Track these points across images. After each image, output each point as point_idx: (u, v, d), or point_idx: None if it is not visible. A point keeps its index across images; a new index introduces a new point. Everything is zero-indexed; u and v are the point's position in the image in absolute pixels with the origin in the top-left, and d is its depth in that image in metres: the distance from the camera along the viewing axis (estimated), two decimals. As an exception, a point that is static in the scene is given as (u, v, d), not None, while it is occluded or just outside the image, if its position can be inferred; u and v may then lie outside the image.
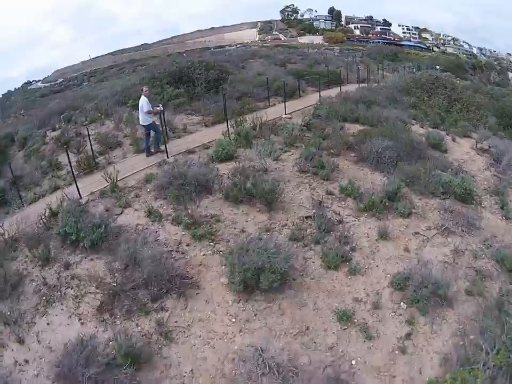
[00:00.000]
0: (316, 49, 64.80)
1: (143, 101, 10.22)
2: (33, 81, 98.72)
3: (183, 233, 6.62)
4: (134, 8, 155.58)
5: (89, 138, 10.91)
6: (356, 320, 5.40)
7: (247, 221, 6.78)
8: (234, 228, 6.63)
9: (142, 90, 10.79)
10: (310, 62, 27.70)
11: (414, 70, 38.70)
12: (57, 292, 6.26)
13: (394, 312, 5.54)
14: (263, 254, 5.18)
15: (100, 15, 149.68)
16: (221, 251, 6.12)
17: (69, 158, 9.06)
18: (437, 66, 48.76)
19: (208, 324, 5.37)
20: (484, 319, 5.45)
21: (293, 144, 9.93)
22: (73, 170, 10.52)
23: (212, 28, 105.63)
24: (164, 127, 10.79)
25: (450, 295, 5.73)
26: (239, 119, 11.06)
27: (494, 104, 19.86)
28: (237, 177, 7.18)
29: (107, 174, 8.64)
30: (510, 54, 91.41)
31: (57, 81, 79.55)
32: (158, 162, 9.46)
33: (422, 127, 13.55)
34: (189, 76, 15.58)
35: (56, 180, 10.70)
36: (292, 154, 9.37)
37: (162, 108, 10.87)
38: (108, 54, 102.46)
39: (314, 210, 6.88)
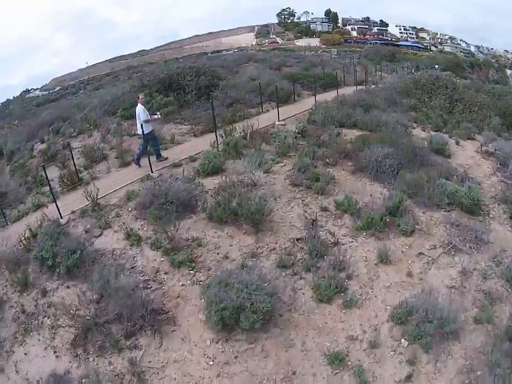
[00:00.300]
0: (313, 52, 64.54)
1: (140, 110, 9.79)
2: (31, 89, 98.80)
3: (162, 259, 6.01)
4: (133, 14, 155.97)
5: (71, 153, 10.31)
6: (349, 363, 4.75)
7: (232, 245, 6.13)
8: (217, 253, 5.99)
9: (138, 98, 10.27)
10: (306, 65, 27.01)
11: (413, 70, 38.02)
12: (34, 320, 5.98)
13: (394, 351, 4.89)
14: (244, 290, 4.52)
15: (99, 22, 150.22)
16: (201, 281, 5.49)
17: (47, 175, 8.52)
18: (436, 66, 48.07)
19: (184, 366, 4.78)
20: (492, 352, 4.82)
21: (285, 154, 9.23)
22: (56, 187, 10.00)
23: (210, 33, 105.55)
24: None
25: (457, 326, 5.08)
26: (228, 128, 10.44)
27: (496, 103, 18.96)
28: (221, 195, 6.53)
29: (87, 192, 8.10)
30: (507, 51, 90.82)
31: (54, 90, 79.40)
32: (141, 178, 8.87)
33: (424, 131, 12.86)
34: (179, 82, 15.00)
35: (39, 197, 10.09)
36: (284, 165, 8.70)
37: (160, 116, 10.42)
38: (106, 61, 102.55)
39: (306, 231, 6.21)
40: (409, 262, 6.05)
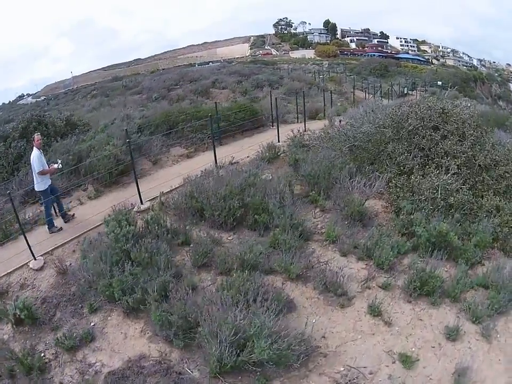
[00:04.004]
0: (303, 64, 61.73)
1: (34, 157, 7.57)
2: (27, 94, 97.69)
3: None
4: (136, 23, 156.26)
5: None
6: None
7: None
8: None
9: (33, 139, 7.93)
10: (251, 85, 22.99)
11: (406, 90, 33.15)
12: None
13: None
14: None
15: (101, 29, 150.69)
16: None
17: None
18: (439, 82, 42.68)
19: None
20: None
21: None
22: None
23: (205, 43, 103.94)
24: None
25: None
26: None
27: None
28: None
29: None
30: (509, 65, 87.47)
31: (40, 99, 77.94)
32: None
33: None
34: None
35: None
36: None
37: (61, 165, 8.08)
38: (101, 69, 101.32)
39: None
40: None
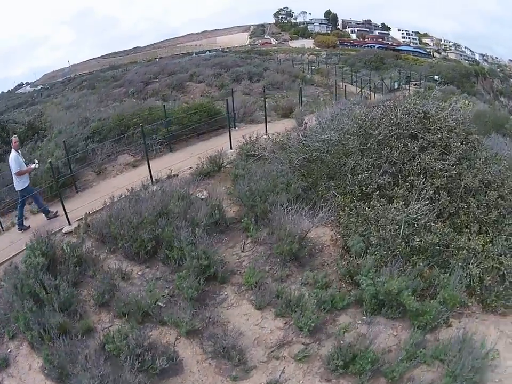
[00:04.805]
0: (301, 55, 60.97)
1: (12, 158, 8.00)
2: (26, 83, 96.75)
3: None
4: (137, 11, 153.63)
5: None
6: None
7: None
8: None
9: (10, 141, 8.34)
10: (230, 77, 22.19)
11: (396, 84, 30.29)
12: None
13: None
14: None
15: (102, 17, 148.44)
16: None
17: None
18: (436, 77, 40.59)
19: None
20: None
21: None
22: None
23: (205, 31, 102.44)
24: None
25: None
26: None
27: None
28: None
29: None
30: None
31: (37, 88, 77.36)
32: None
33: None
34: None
35: None
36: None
37: (38, 165, 8.45)
38: (100, 57, 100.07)
39: None
40: None
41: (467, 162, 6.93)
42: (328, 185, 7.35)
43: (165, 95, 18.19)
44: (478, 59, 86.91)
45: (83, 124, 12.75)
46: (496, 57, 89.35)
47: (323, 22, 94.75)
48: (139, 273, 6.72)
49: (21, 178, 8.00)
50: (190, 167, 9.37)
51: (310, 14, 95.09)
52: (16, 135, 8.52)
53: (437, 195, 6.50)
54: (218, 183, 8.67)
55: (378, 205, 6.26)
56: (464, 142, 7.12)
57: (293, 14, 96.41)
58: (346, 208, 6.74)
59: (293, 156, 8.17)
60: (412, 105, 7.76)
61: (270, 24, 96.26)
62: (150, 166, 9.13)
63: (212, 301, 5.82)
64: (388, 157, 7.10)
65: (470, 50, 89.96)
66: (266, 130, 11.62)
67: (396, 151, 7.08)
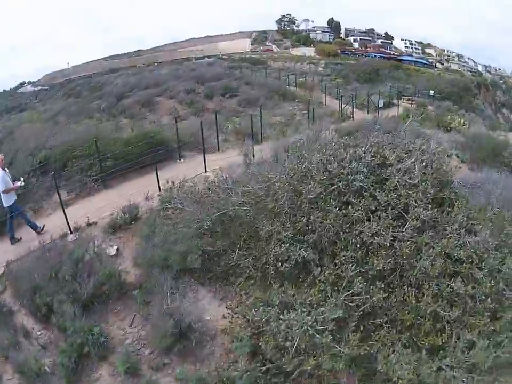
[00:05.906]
0: (299, 63, 60.46)
1: None
2: (28, 82, 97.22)
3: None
4: (140, 15, 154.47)
5: None
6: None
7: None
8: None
9: None
10: (203, 93, 21.05)
11: (382, 103, 26.54)
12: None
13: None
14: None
15: (108, 19, 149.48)
16: None
17: None
18: (431, 92, 38.43)
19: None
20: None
21: None
22: None
23: (207, 36, 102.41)
24: None
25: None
26: None
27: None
28: None
29: None
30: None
31: (37, 88, 77.70)
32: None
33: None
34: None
35: None
36: None
37: (23, 183, 8.68)
38: (102, 59, 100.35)
39: None
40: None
41: (431, 232, 5.18)
42: (242, 253, 6.02)
43: (133, 112, 17.72)
44: (481, 70, 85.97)
45: (34, 152, 12.23)
46: (499, 69, 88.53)
47: (325, 30, 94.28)
48: (38, 333, 6.50)
49: (8, 195, 8.30)
50: (111, 214, 8.55)
51: (312, 21, 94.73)
52: (2, 154, 8.68)
53: (371, 287, 4.60)
54: (131, 237, 7.88)
55: (281, 296, 4.79)
56: (431, 202, 5.34)
57: (296, 21, 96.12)
58: (244, 295, 5.51)
59: (209, 211, 6.72)
60: (364, 148, 6.15)
61: (272, 31, 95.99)
62: (85, 203, 9.08)
63: (86, 378, 5.50)
64: (313, 226, 5.43)
65: (473, 61, 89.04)
66: (205, 167, 10.46)
67: (329, 216, 5.27)
